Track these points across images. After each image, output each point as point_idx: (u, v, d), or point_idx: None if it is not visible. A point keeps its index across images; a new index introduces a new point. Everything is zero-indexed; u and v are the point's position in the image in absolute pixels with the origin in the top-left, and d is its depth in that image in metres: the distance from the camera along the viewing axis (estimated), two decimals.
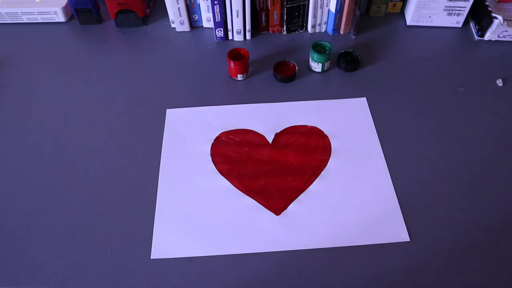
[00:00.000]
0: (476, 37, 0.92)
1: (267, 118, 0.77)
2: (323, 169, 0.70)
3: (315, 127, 0.76)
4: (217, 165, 0.71)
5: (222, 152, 0.73)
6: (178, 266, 0.60)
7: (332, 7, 0.89)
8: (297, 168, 0.70)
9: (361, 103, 0.79)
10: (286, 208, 0.65)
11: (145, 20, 0.98)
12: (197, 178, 0.69)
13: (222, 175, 0.69)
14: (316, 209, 0.65)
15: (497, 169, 0.70)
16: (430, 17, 0.93)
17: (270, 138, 0.74)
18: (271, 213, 0.65)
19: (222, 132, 0.75)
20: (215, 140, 0.75)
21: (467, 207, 0.65)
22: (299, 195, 0.67)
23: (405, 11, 0.98)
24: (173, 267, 0.60)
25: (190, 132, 0.75)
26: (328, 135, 0.74)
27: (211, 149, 0.73)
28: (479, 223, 0.64)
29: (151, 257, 0.61)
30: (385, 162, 0.70)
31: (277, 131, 0.73)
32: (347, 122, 0.76)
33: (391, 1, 0.97)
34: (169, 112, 0.79)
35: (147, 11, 0.99)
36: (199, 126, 0.77)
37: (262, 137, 0.75)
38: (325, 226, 0.63)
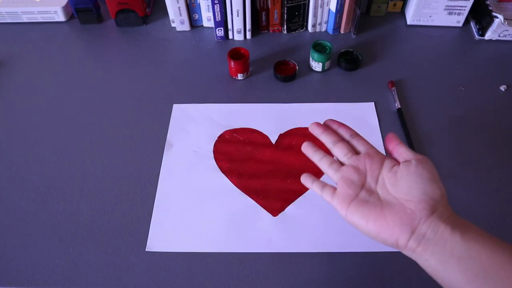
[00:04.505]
0: (476, 36, 0.92)
1: (272, 119, 0.77)
2: (324, 174, 0.69)
3: None
4: (219, 162, 0.71)
5: (225, 150, 0.73)
6: (176, 261, 0.60)
7: (333, 7, 0.89)
8: (298, 170, 0.70)
9: (369, 108, 0.78)
10: (283, 210, 0.65)
11: (145, 19, 0.98)
12: (197, 174, 0.70)
13: (223, 173, 0.70)
14: (314, 213, 0.65)
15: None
16: (430, 16, 0.93)
17: (273, 139, 0.74)
18: (268, 213, 0.65)
19: (226, 130, 0.75)
20: (219, 137, 0.75)
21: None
22: (297, 197, 0.67)
23: (405, 10, 0.98)
24: (172, 263, 0.60)
25: (194, 127, 0.76)
26: None
27: (214, 146, 0.74)
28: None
29: (146, 249, 0.61)
30: None
31: (281, 132, 0.72)
32: (353, 127, 0.75)
33: (391, 0, 0.96)
34: (176, 107, 0.80)
35: (147, 10, 0.99)
36: (204, 122, 0.77)
37: (265, 137, 0.75)
38: (321, 230, 0.63)
